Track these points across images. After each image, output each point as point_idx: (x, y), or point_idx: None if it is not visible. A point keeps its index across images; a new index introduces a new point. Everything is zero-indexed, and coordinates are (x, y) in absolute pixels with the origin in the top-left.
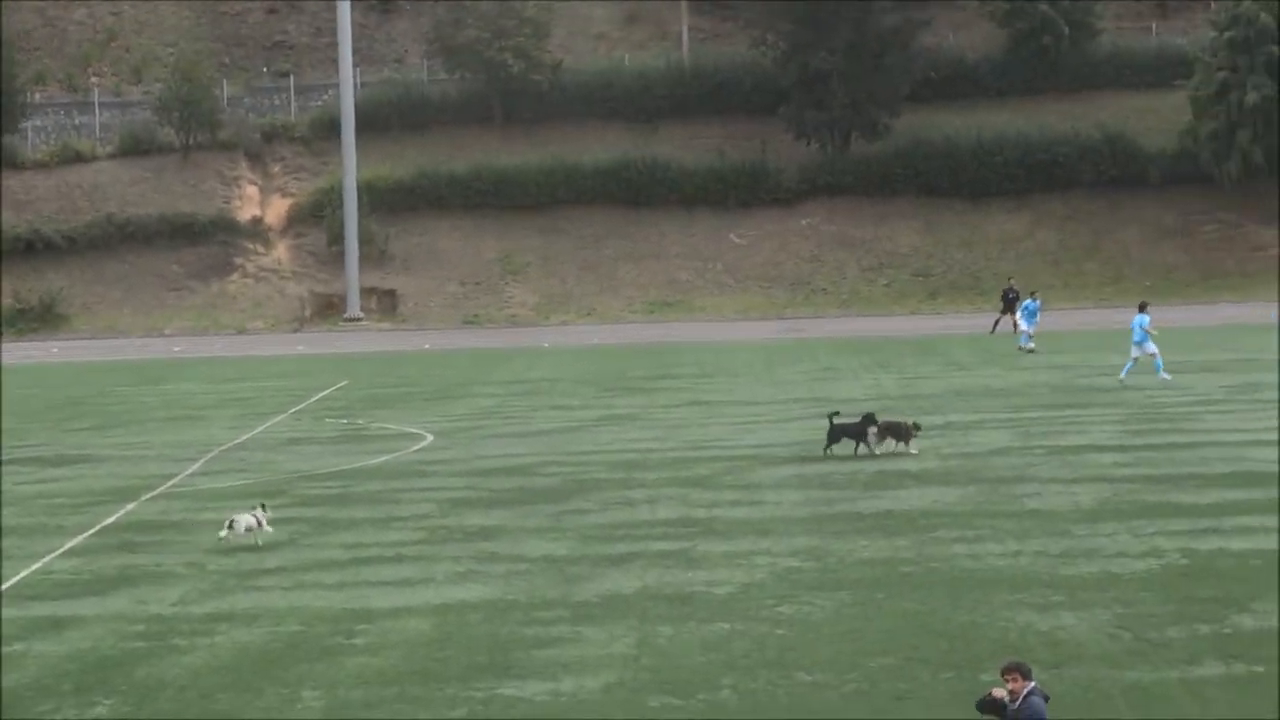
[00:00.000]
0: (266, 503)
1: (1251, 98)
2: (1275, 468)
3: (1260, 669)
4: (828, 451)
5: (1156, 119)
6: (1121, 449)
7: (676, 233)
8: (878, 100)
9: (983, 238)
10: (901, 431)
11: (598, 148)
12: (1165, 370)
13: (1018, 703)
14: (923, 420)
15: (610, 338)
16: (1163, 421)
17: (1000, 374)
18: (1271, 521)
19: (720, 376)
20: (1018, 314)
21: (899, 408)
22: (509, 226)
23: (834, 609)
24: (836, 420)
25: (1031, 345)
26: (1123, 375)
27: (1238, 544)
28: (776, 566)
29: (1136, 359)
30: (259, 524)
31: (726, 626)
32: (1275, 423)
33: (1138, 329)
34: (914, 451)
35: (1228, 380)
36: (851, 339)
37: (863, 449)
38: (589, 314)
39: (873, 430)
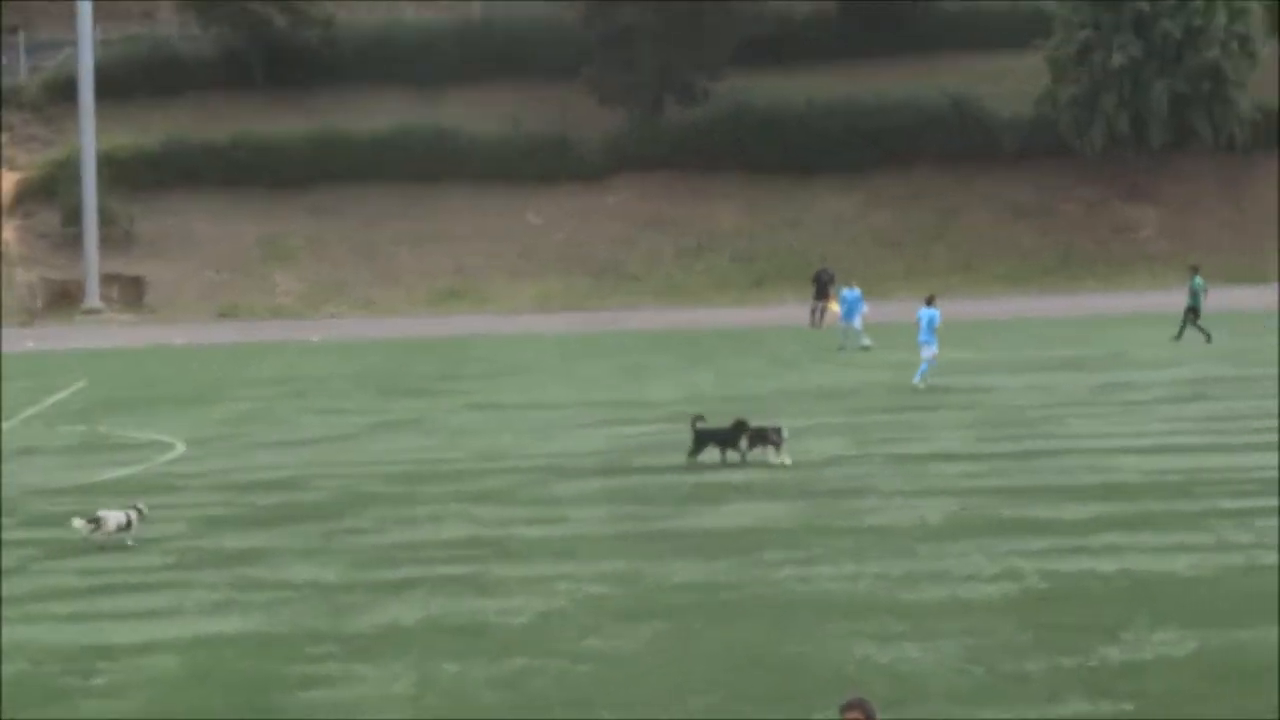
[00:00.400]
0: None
1: (1116, 59)
2: (1145, 478)
3: (1129, 706)
4: (693, 459)
5: (1010, 84)
6: (973, 457)
7: (465, 213)
8: (694, 62)
9: (812, 218)
10: (772, 438)
11: (376, 115)
12: (923, 379)
13: None
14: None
15: (389, 332)
16: (1019, 426)
17: (833, 372)
18: (1142, 540)
19: (514, 376)
20: (834, 302)
21: (720, 411)
22: (273, 205)
23: (646, 641)
24: (701, 425)
25: (867, 341)
26: (916, 380)
27: (1105, 565)
28: (580, 593)
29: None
30: (130, 523)
31: (522, 662)
32: (1146, 426)
33: (925, 326)
34: (787, 461)
35: (1093, 379)
36: (665, 332)
37: (733, 456)
38: (365, 305)
39: (745, 438)
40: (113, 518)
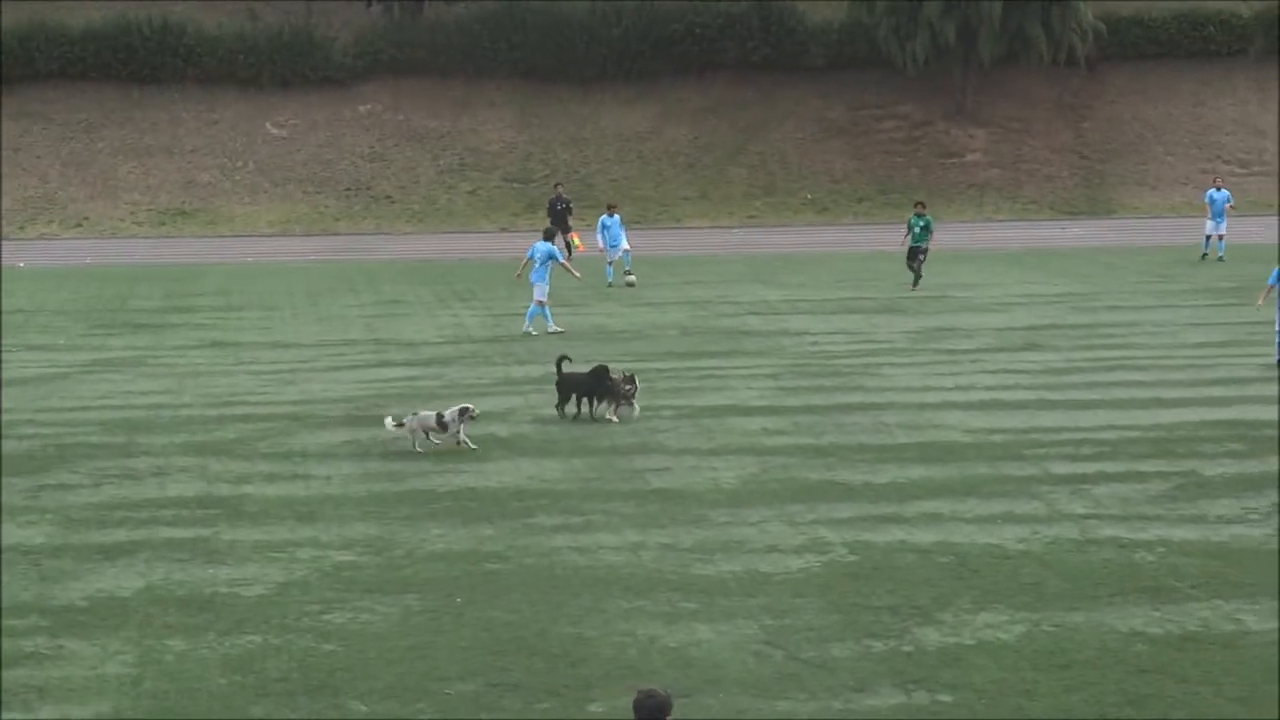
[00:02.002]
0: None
1: None
2: (970, 437)
3: (947, 698)
4: (563, 412)
5: None
6: (774, 411)
7: (195, 121)
8: None
9: (596, 134)
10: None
11: (89, 5)
12: (535, 326)
13: None
14: (515, 374)
15: (107, 257)
16: (828, 376)
17: (618, 311)
18: (966, 508)
19: (252, 310)
20: (576, 235)
21: (485, 354)
22: None
23: (399, 618)
24: (567, 369)
25: (631, 278)
26: (527, 326)
27: (922, 536)
28: (324, 561)
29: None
30: (450, 423)
31: (258, 640)
32: (972, 379)
33: (543, 263)
34: (635, 413)
35: (912, 324)
36: (424, 262)
37: (602, 407)
38: (78, 225)
39: (628, 388)
40: (416, 419)
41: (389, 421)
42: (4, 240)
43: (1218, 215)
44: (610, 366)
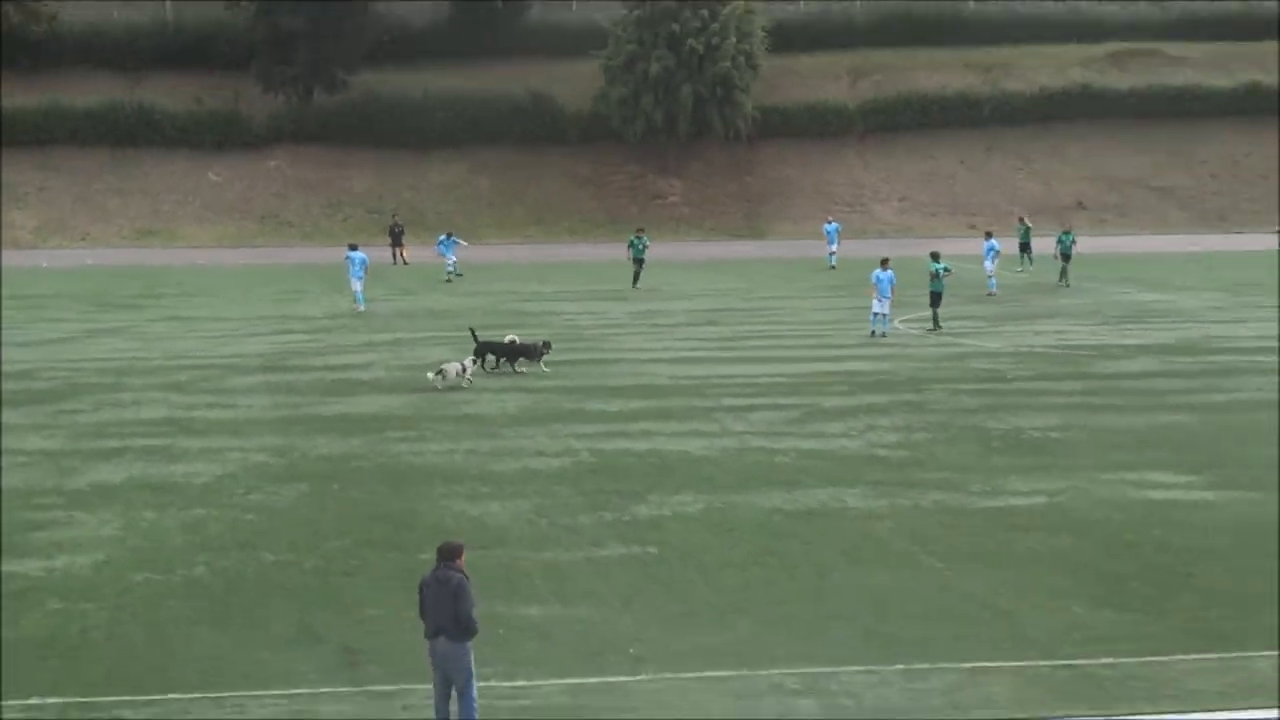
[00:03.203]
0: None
1: (654, 68)
2: (670, 381)
3: (654, 550)
4: (482, 367)
5: (576, 84)
6: (543, 363)
7: (159, 171)
8: (337, 59)
9: (427, 183)
10: (525, 352)
11: (90, 93)
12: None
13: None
14: (375, 339)
15: (102, 261)
16: (579, 341)
17: (442, 298)
18: (667, 428)
19: (199, 297)
20: (406, 249)
21: (356, 326)
22: (10, 161)
23: (295, 498)
24: (482, 338)
25: (453, 274)
26: (360, 306)
27: (639, 445)
28: (247, 461)
29: (357, 292)
30: (464, 369)
31: (203, 512)
32: (672, 344)
33: (359, 266)
34: (523, 371)
35: (633, 308)
36: (312, 266)
37: (525, 366)
38: (82, 239)
39: (544, 353)
40: (452, 367)
41: (432, 375)
42: (32, 250)
43: (832, 238)
44: (517, 337)
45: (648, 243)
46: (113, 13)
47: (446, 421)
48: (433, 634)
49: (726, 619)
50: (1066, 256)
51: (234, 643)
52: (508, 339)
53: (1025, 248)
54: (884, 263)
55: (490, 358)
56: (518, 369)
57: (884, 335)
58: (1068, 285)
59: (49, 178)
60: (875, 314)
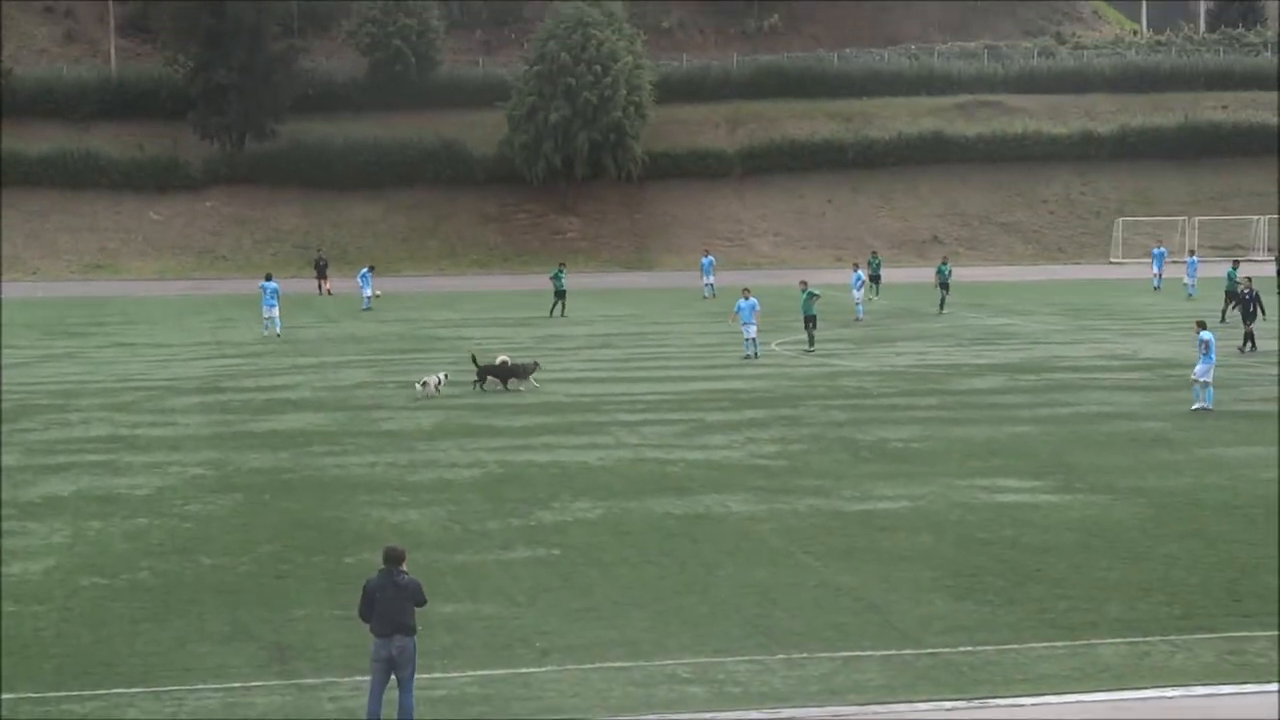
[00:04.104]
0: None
1: (554, 117)
2: (570, 399)
3: (557, 552)
4: (480, 388)
5: (482, 131)
6: (453, 383)
7: (106, 211)
8: (266, 110)
9: (349, 220)
10: (516, 372)
11: (42, 142)
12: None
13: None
14: (301, 362)
15: (53, 293)
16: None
17: (362, 325)
18: (567, 441)
19: (142, 324)
20: (328, 282)
21: (284, 350)
22: None
23: (230, 507)
24: (483, 363)
25: (370, 305)
26: (278, 331)
27: (542, 457)
28: (185, 474)
29: (270, 320)
30: (440, 382)
31: (145, 521)
32: (572, 365)
33: (270, 295)
34: (523, 390)
35: (537, 332)
36: (244, 296)
37: (513, 383)
38: (34, 273)
39: (534, 372)
40: (432, 380)
41: (418, 386)
42: None
43: (707, 271)
44: (508, 358)
45: (567, 273)
46: (62, 69)
47: (368, 437)
48: (388, 632)
49: (624, 614)
50: (945, 286)
51: (173, 640)
52: (499, 360)
53: (875, 279)
54: (745, 292)
55: (489, 379)
56: (510, 387)
57: (757, 357)
58: (944, 312)
59: (6, 218)
60: (747, 339)
